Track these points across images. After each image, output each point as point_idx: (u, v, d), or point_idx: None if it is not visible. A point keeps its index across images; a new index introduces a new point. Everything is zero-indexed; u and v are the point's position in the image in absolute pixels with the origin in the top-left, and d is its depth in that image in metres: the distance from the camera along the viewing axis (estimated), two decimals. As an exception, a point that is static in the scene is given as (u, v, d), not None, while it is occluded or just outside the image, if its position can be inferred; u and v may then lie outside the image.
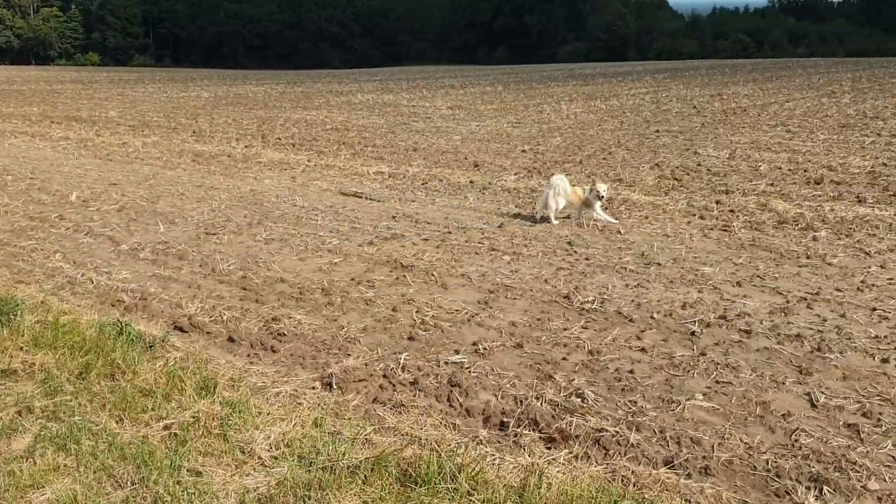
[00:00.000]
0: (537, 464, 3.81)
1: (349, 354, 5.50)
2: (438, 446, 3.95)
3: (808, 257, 7.83)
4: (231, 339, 5.86)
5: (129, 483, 3.65)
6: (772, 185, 11.57)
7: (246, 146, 17.56)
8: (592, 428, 4.31)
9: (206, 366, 5.03)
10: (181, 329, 6.05)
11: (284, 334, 5.93)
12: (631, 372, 5.13)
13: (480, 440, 4.25)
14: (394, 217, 10.04)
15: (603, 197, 9.46)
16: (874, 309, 6.26)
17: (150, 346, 5.41)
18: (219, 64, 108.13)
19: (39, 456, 3.86)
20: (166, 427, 4.21)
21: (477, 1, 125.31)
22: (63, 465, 3.78)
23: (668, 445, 4.17)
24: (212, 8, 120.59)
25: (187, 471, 3.74)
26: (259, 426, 4.24)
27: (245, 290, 7.10)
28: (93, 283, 7.29)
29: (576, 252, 8.23)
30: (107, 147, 17.41)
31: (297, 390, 4.94)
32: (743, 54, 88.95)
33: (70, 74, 68.87)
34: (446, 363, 5.32)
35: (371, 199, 11.50)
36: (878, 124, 18.06)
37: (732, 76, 40.40)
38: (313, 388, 5.01)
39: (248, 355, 5.60)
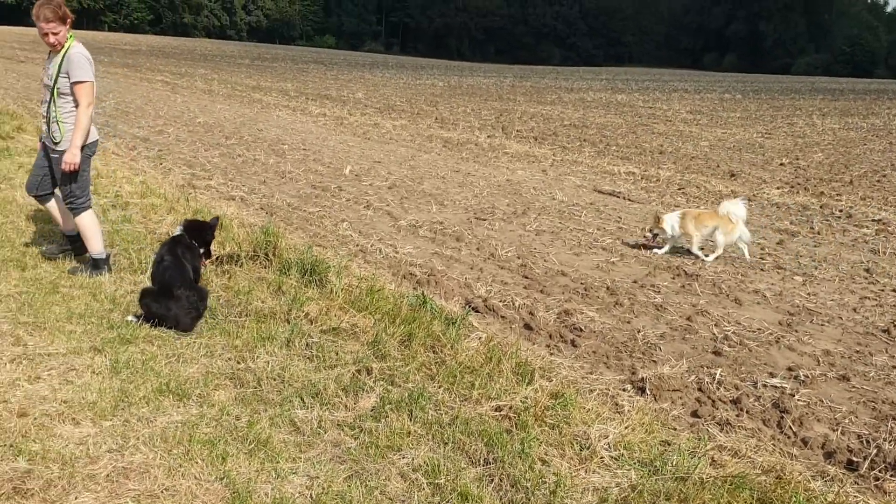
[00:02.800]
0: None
1: (655, 361, 5.29)
2: (786, 476, 3.65)
3: None
4: (528, 327, 5.85)
5: (481, 461, 3.68)
6: None
7: (489, 136, 17.83)
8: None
9: (519, 351, 5.02)
10: (475, 309, 6.12)
11: (581, 329, 5.84)
12: None
13: (830, 477, 3.89)
14: (660, 221, 9.69)
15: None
16: None
17: (453, 323, 5.50)
18: (443, 54, 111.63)
19: (386, 418, 4.00)
20: (498, 408, 4.22)
21: (710, 5, 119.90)
22: (413, 430, 3.88)
23: None
24: (443, 0, 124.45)
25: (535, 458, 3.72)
26: (588, 422, 4.14)
27: (527, 278, 7.10)
28: (381, 253, 7.61)
29: (877, 281, 7.49)
30: (361, 126, 18.36)
31: (608, 389, 4.81)
32: None
33: (311, 55, 73.93)
34: (765, 386, 4.97)
35: (630, 199, 11.21)
36: None
37: None
38: (624, 389, 4.86)
39: (548, 346, 5.55)
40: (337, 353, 4.80)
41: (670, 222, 8.04)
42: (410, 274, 6.99)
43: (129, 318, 5.08)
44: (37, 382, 4.12)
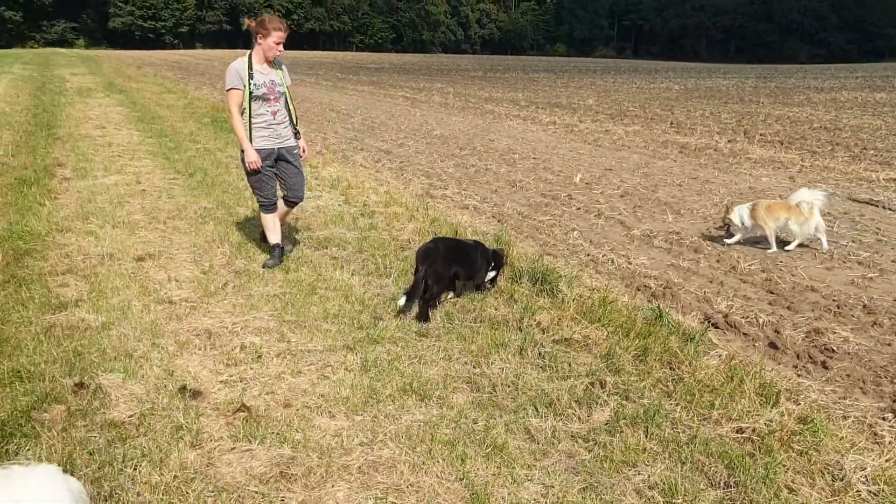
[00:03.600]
0: None
1: (924, 390, 4.74)
2: None
3: None
4: (773, 346, 5.49)
5: (721, 484, 3.52)
6: None
7: (729, 141, 16.93)
8: None
9: (764, 371, 4.73)
10: (715, 325, 5.84)
11: (833, 350, 5.38)
12: None
13: None
14: (931, 233, 8.66)
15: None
16: None
17: (691, 339, 5.30)
18: (678, 56, 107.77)
19: (620, 433, 3.95)
20: (739, 430, 4.01)
21: None
22: (648, 447, 3.80)
23: None
24: (679, 0, 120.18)
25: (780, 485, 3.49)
26: (841, 451, 3.81)
27: (772, 293, 6.65)
28: (614, 264, 7.51)
29: None
30: (592, 133, 18.23)
31: (864, 417, 4.39)
32: None
33: (541, 64, 74.65)
34: None
35: (890, 208, 10.12)
36: None
37: None
38: (884, 418, 4.41)
39: (795, 366, 5.18)
40: (569, 364, 4.82)
41: (739, 213, 8.07)
42: (644, 286, 6.83)
43: (400, 301, 5.57)
44: (298, 376, 4.55)
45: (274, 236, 6.87)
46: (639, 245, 8.26)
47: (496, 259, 6.33)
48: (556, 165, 13.27)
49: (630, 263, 7.55)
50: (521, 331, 5.34)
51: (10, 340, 4.90)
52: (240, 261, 6.85)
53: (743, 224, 8.06)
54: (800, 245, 8.05)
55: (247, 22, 6.71)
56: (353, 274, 6.57)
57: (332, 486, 3.45)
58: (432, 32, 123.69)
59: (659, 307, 5.84)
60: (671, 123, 20.36)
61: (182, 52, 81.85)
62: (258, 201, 6.84)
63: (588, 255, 7.83)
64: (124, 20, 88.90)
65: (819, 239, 8.03)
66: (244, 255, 7.03)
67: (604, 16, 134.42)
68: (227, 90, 6.46)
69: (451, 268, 5.83)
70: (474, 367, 4.76)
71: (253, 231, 7.79)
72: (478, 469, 3.58)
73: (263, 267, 6.68)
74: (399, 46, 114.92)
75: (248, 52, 6.57)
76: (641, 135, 17.91)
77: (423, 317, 5.52)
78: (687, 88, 35.52)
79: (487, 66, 66.58)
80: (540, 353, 4.97)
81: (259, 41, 6.46)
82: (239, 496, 3.37)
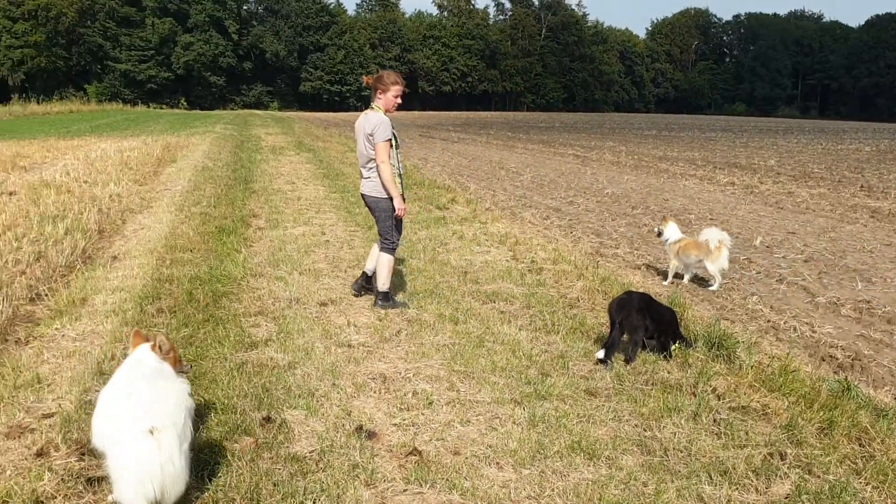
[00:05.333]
0: None
1: None
2: None
3: None
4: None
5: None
6: None
7: (930, 205, 15.60)
8: None
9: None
10: (914, 402, 5.38)
11: None
12: None
13: None
14: None
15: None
16: None
17: (884, 415, 4.90)
18: (870, 116, 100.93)
19: (803, 509, 3.72)
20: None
21: None
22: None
23: None
24: (871, 58, 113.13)
25: None
26: None
27: (982, 373, 6.03)
28: (796, 331, 7.10)
29: None
30: (773, 195, 17.42)
31: None
32: None
33: (719, 123, 72.44)
34: None
35: None
36: None
37: None
38: None
39: None
40: (747, 433, 4.60)
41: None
42: (830, 356, 6.42)
43: (599, 354, 5.79)
44: (467, 425, 4.65)
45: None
46: (824, 313, 7.77)
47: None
48: (735, 227, 12.77)
49: (814, 332, 7.11)
50: (696, 396, 5.17)
51: (208, 374, 5.36)
52: (412, 310, 7.12)
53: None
54: None
55: (365, 79, 7.21)
56: (520, 329, 6.64)
57: (500, 537, 3.49)
58: (605, 92, 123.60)
59: (846, 379, 5.48)
60: (861, 186, 19.07)
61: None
62: (391, 245, 7.20)
63: (768, 321, 7.45)
64: (314, 84, 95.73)
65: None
66: (416, 304, 7.30)
67: (786, 75, 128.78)
68: (384, 141, 6.81)
69: (645, 319, 5.90)
70: (645, 430, 4.66)
71: (425, 282, 8.08)
72: (647, 533, 3.50)
73: (394, 308, 7.15)
74: (570, 106, 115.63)
75: (375, 107, 6.99)
76: (827, 198, 16.89)
77: (631, 358, 5.85)
78: (880, 150, 33.17)
79: (662, 124, 65.47)
80: (715, 420, 4.79)
81: (379, 96, 6.96)
82: (409, 537, 3.48)
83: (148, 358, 3.84)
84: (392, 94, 6.91)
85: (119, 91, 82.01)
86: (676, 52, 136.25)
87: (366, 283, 7.60)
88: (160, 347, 3.91)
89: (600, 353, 5.78)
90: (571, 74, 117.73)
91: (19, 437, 4.35)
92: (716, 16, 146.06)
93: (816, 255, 10.54)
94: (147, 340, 3.97)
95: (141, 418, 3.32)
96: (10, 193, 13.47)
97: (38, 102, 58.72)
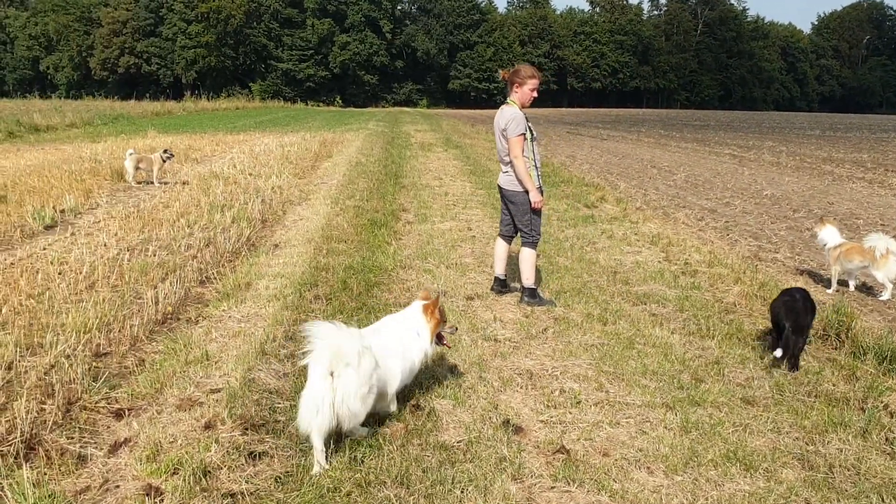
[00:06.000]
0: None
1: None
2: None
3: None
4: None
5: None
6: None
7: None
8: None
9: None
10: None
11: None
12: None
13: None
14: None
15: None
16: None
17: None
18: None
19: None
20: None
21: None
22: None
23: None
24: None
25: None
26: None
27: None
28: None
29: None
30: (957, 200, 15.92)
31: None
32: None
33: (892, 122, 67.13)
34: None
35: None
36: None
37: None
38: None
39: None
40: (925, 456, 4.24)
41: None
42: None
43: (777, 353, 5.64)
44: (617, 427, 4.56)
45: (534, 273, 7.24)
46: None
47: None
48: (910, 234, 11.78)
49: None
50: (865, 411, 4.82)
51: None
52: (559, 308, 7.05)
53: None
54: None
55: (502, 73, 7.16)
56: (672, 332, 6.43)
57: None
58: (764, 89, 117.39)
59: None
60: None
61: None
62: (532, 239, 7.13)
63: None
64: (462, 82, 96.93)
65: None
66: (563, 302, 7.23)
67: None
68: (517, 136, 6.78)
69: (808, 318, 5.78)
70: (807, 444, 4.39)
71: (573, 280, 7.99)
72: (811, 554, 3.29)
73: (541, 305, 7.09)
74: (726, 103, 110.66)
75: (511, 101, 6.94)
76: None
77: (794, 366, 5.60)
78: None
79: (826, 124, 61.40)
80: (887, 439, 4.44)
81: (516, 90, 6.91)
82: (556, 534, 3.45)
83: (409, 311, 4.74)
84: (528, 87, 6.88)
85: (280, 89, 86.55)
86: (845, 47, 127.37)
87: (502, 288, 7.60)
88: (429, 310, 4.68)
89: (778, 352, 5.63)
90: (728, 71, 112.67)
91: (189, 409, 4.67)
92: (892, 8, 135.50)
93: None
94: (427, 299, 4.76)
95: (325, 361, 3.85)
96: (184, 183, 14.58)
97: (207, 99, 62.70)
